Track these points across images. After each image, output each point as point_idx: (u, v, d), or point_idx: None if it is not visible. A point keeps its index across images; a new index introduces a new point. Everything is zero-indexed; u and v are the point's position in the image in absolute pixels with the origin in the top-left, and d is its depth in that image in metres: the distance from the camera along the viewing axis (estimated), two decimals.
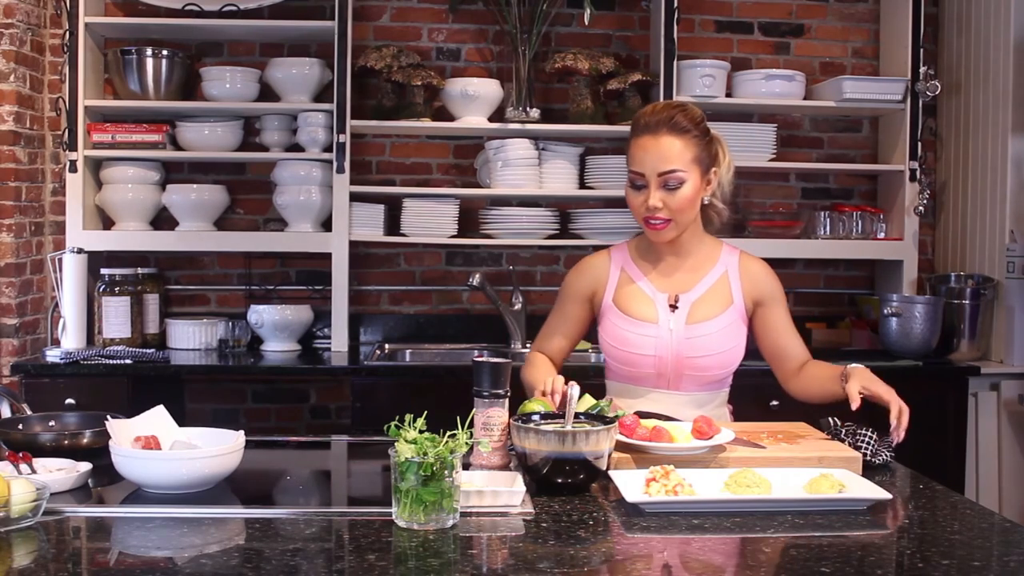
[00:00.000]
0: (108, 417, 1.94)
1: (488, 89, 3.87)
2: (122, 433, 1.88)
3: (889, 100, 3.96)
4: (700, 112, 2.31)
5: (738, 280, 2.37)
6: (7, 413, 2.56)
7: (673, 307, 2.32)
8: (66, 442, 2.02)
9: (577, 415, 1.93)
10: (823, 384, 2.31)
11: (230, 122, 3.85)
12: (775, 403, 3.52)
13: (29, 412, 2.22)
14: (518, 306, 3.91)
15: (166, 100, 3.81)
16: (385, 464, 1.86)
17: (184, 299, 4.08)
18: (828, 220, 4.01)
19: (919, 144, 3.97)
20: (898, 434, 2.08)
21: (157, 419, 1.98)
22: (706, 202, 2.33)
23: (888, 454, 2.08)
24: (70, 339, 3.62)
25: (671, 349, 2.29)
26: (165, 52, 3.79)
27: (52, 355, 3.50)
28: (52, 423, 2.16)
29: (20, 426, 2.12)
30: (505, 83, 3.95)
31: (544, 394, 2.11)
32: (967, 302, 3.86)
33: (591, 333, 3.79)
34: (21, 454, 1.86)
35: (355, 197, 3.85)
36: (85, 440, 2.03)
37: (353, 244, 3.87)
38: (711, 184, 2.32)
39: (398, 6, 4.10)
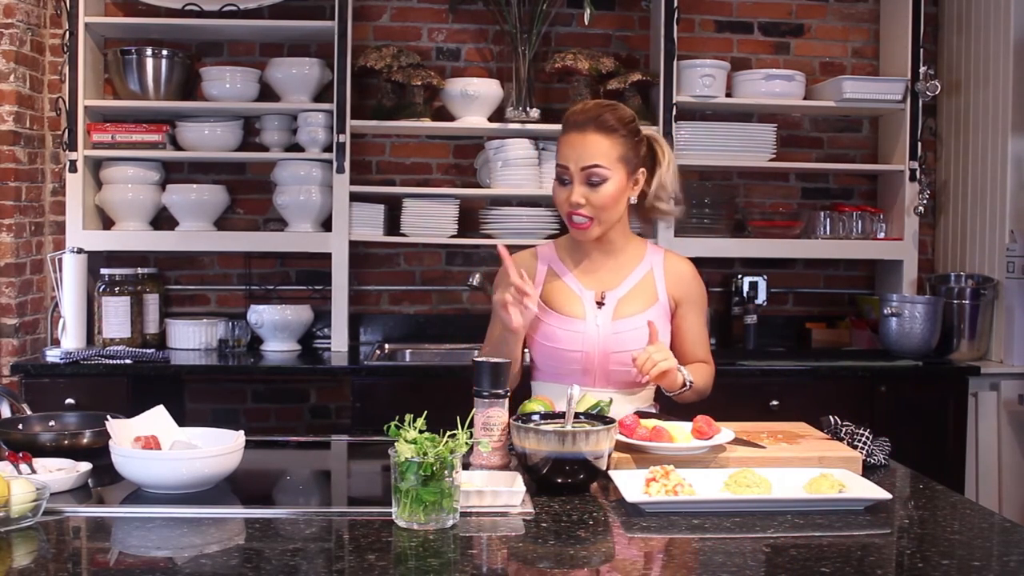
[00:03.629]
0: (108, 417, 1.94)
1: (488, 89, 3.87)
2: (122, 433, 1.88)
3: (889, 100, 3.96)
4: (631, 113, 2.34)
5: (663, 278, 2.37)
6: (7, 413, 2.56)
7: (600, 304, 2.32)
8: (66, 442, 2.02)
9: (577, 415, 1.93)
10: None
11: (230, 122, 3.86)
12: (775, 403, 3.53)
13: (29, 412, 2.22)
14: None
15: (166, 100, 3.81)
16: (385, 464, 1.86)
17: (184, 299, 4.08)
18: (828, 220, 4.01)
19: (919, 144, 3.97)
20: (642, 376, 2.15)
21: (157, 419, 1.97)
22: (632, 202, 2.33)
23: (883, 455, 2.08)
24: (70, 339, 3.62)
25: (597, 345, 2.29)
26: (165, 52, 3.79)
27: (52, 355, 3.50)
28: (52, 423, 2.16)
29: (20, 426, 2.12)
30: (505, 83, 3.95)
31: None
32: (967, 302, 3.86)
33: None
34: (21, 454, 1.86)
35: (355, 197, 3.85)
36: (85, 440, 2.03)
37: (353, 244, 3.87)
38: (638, 185, 2.33)
39: (398, 6, 4.10)
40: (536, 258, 2.40)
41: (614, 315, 2.31)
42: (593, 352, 2.29)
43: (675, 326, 2.39)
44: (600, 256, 2.36)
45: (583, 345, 2.29)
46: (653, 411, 2.36)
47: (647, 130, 2.41)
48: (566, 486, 1.83)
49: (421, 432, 1.65)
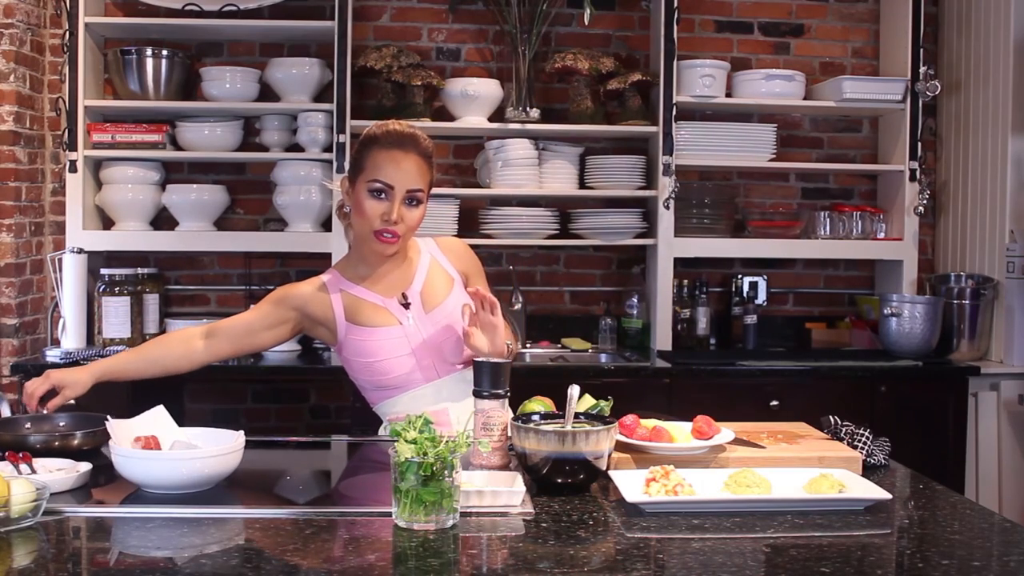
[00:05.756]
0: (108, 417, 1.94)
1: (488, 89, 3.87)
2: (122, 433, 1.88)
3: (889, 100, 3.96)
4: None
5: (445, 259, 2.46)
6: (7, 413, 2.55)
7: (406, 305, 2.36)
8: (56, 444, 2.00)
9: (577, 415, 1.93)
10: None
11: (230, 122, 3.86)
12: (775, 403, 3.53)
13: (8, 413, 2.22)
14: (518, 306, 3.91)
15: (166, 100, 3.81)
16: (385, 464, 1.86)
17: (184, 299, 4.08)
18: (828, 220, 4.01)
19: (919, 144, 3.97)
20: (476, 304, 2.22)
21: (157, 419, 1.97)
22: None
23: (883, 455, 2.08)
24: (70, 339, 3.62)
25: (422, 340, 2.33)
26: (165, 52, 3.79)
27: (52, 355, 3.50)
28: (28, 424, 2.15)
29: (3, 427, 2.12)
30: (505, 83, 3.95)
31: None
32: (967, 302, 3.86)
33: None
34: (21, 454, 1.87)
35: None
36: (76, 441, 2.02)
37: None
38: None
39: (398, 6, 4.10)
40: (327, 289, 2.38)
41: (425, 308, 2.36)
42: (421, 348, 2.33)
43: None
44: (386, 265, 2.39)
45: (409, 346, 2.32)
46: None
47: None
48: (566, 486, 1.83)
49: (421, 432, 1.65)
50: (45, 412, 2.22)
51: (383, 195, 2.28)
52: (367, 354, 2.32)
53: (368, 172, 2.29)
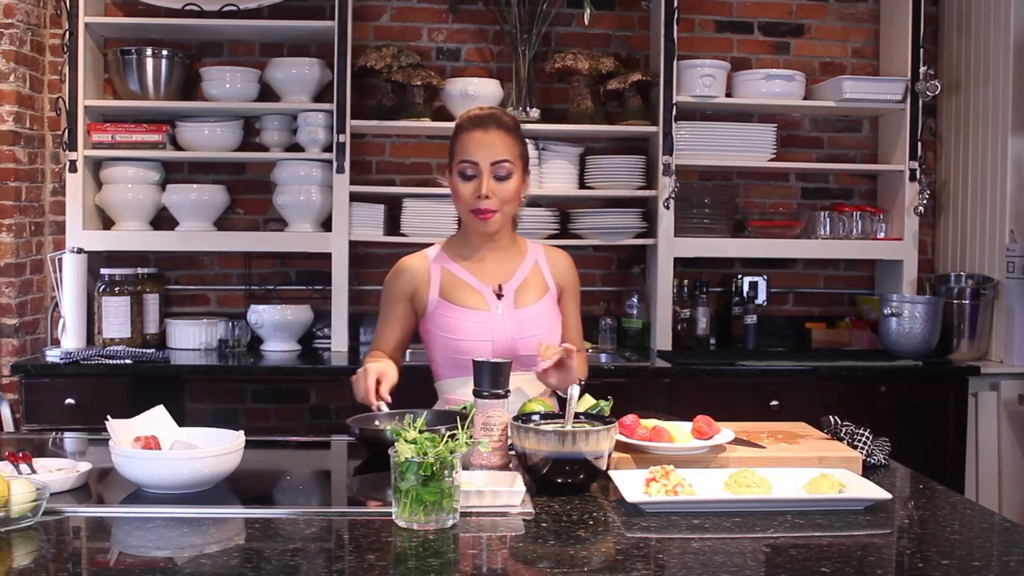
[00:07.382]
0: (108, 417, 1.94)
1: (488, 89, 3.87)
2: (122, 433, 1.88)
3: (889, 100, 3.96)
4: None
5: (547, 268, 2.52)
6: (7, 415, 2.56)
7: (499, 295, 2.43)
8: None
9: (577, 415, 1.94)
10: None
11: (230, 122, 3.86)
12: (775, 403, 3.54)
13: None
14: None
15: (166, 100, 3.81)
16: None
17: (184, 299, 4.08)
18: (828, 220, 4.01)
19: (919, 144, 3.97)
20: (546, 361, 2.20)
21: (157, 419, 1.97)
22: (523, 202, 2.48)
23: (883, 455, 2.08)
24: (70, 339, 3.62)
25: (504, 332, 2.41)
26: (165, 52, 3.79)
27: (52, 355, 3.50)
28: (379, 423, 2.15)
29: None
30: (505, 83, 3.95)
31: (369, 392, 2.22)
32: (967, 302, 3.86)
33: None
34: (21, 454, 1.87)
35: (355, 197, 3.85)
36: None
37: (353, 244, 3.87)
38: (526, 185, 2.46)
39: (398, 6, 4.10)
40: (428, 261, 2.49)
41: (515, 304, 2.43)
42: (501, 339, 2.40)
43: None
44: (489, 252, 2.48)
45: (491, 334, 2.40)
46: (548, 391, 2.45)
47: None
48: (566, 486, 1.83)
49: (421, 432, 1.65)
50: (387, 404, 2.23)
51: (472, 175, 2.36)
52: (451, 331, 2.41)
53: (457, 156, 2.40)
